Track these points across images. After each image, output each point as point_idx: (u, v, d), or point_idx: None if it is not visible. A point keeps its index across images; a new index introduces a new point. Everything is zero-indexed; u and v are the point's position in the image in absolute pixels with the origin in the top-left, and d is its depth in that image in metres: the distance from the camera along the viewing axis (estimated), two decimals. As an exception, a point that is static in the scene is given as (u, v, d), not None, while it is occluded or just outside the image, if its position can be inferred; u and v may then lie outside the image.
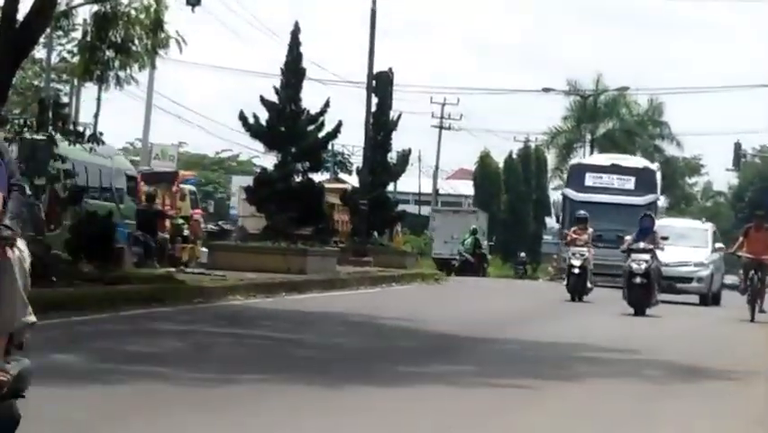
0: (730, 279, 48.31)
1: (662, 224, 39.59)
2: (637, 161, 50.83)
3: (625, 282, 34.88)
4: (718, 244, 31.11)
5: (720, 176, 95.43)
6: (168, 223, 42.95)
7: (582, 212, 40.93)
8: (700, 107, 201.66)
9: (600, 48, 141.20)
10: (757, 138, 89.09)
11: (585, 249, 40.67)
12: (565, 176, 54.34)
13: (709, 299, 33.95)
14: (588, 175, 47.34)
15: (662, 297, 35.89)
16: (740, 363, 19.96)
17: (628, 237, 37.77)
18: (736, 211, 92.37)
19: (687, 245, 33.32)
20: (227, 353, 18.14)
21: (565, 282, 41.20)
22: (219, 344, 19.26)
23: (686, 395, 16.28)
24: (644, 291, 31.52)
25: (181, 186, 53.41)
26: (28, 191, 21.90)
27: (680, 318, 35.13)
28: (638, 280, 30.31)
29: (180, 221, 46.72)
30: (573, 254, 38.84)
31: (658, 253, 35.17)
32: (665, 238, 28.40)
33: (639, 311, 29.98)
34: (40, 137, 35.00)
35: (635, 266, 31.02)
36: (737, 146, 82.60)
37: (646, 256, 31.86)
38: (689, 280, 33.68)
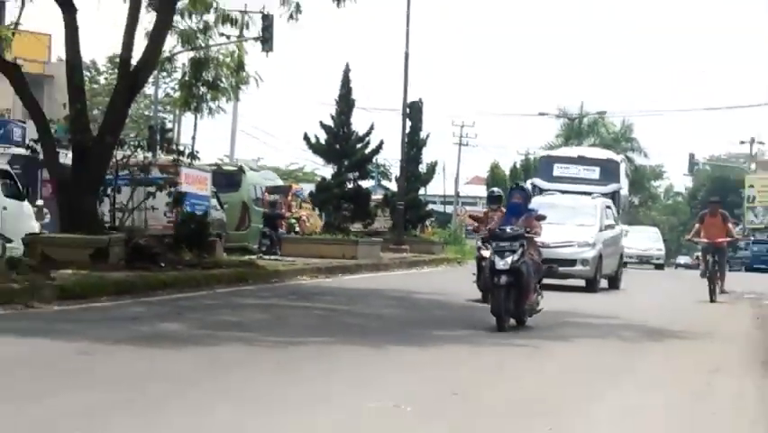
0: (683, 259, 45.43)
1: (546, 201, 31.06)
2: (602, 153, 46.43)
3: (485, 283, 21.62)
4: (608, 222, 25.80)
5: (678, 180, 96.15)
6: (284, 222, 44.94)
7: (496, 189, 30.28)
8: (663, 125, 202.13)
9: (584, 79, 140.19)
10: (708, 149, 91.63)
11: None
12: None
13: (597, 282, 27.80)
14: (556, 166, 42.78)
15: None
16: (697, 328, 19.63)
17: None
18: (691, 207, 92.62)
19: (573, 223, 27.35)
20: (297, 321, 18.20)
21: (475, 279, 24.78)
22: (291, 314, 19.29)
23: (655, 352, 16.27)
24: (511, 295, 18.03)
25: (293, 194, 56.44)
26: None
27: (648, 293, 31.49)
28: (503, 279, 17.38)
29: (293, 221, 49.85)
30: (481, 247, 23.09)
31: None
32: (542, 218, 20.27)
33: (501, 324, 17.09)
34: (232, 168, 45.42)
35: (498, 261, 17.68)
36: (691, 156, 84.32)
37: (515, 245, 18.21)
38: (572, 262, 26.91)
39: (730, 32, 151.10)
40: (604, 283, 29.01)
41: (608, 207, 27.95)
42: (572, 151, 44.67)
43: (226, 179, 39.81)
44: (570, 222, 25.24)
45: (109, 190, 25.56)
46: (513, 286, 15.64)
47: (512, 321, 16.39)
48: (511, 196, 18.95)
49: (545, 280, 22.37)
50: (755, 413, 10.32)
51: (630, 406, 10.89)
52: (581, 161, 43.33)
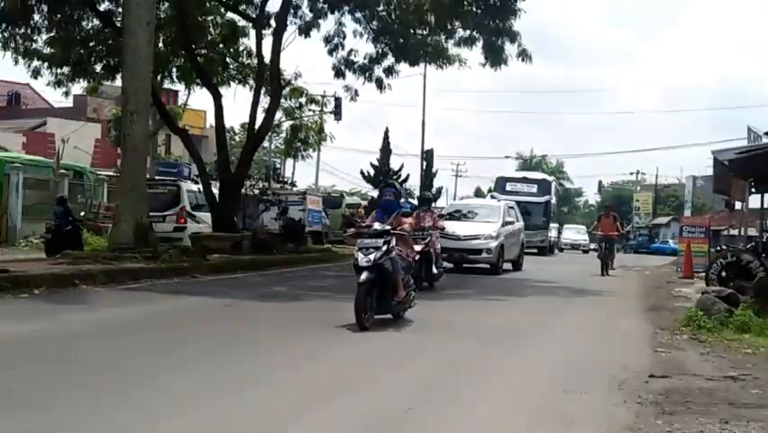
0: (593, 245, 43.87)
1: (462, 203, 31.12)
2: (539, 175, 46.46)
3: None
4: (509, 219, 23.76)
5: (591, 197, 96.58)
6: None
7: (427, 192, 29.52)
8: (582, 163, 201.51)
9: (533, 134, 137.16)
10: (610, 177, 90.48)
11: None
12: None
13: (499, 267, 24.15)
14: (507, 183, 42.41)
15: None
16: (604, 289, 19.69)
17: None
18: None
19: (481, 220, 24.54)
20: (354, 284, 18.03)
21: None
22: (352, 280, 18.93)
23: (579, 302, 16.61)
24: (374, 292, 12.24)
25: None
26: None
27: (566, 268, 29.04)
28: (364, 276, 11.87)
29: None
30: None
31: (453, 226, 21.99)
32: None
33: (360, 321, 11.35)
34: (335, 195, 47.91)
35: (361, 258, 12.20)
36: (600, 182, 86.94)
37: (379, 242, 12.51)
38: (479, 251, 24.02)
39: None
40: (508, 266, 24.85)
41: (511, 207, 25.99)
42: (519, 174, 44.92)
43: (332, 201, 43.38)
44: (479, 219, 23.72)
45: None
46: (375, 282, 11.40)
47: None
48: (383, 194, 14.10)
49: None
50: (639, 337, 10.83)
51: (567, 330, 11.60)
52: (525, 180, 43.44)
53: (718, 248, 24.55)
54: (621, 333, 11.52)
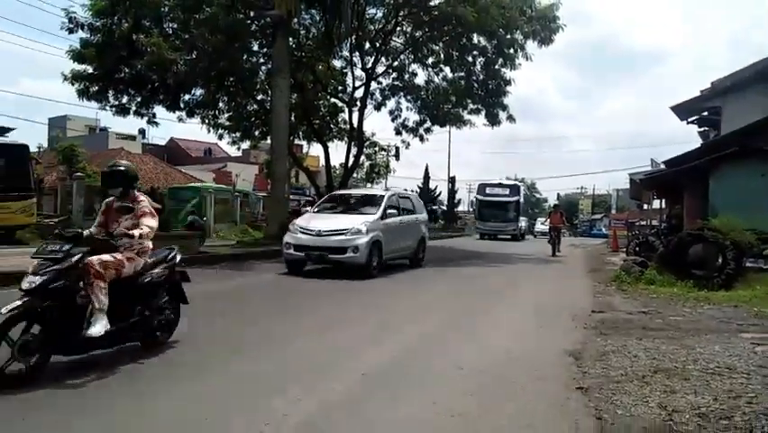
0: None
1: (342, 192, 16.57)
2: (511, 182, 38.99)
3: None
4: (391, 210, 12.83)
5: (553, 202, 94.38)
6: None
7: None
8: (548, 183, 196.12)
9: (516, 163, 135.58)
10: (565, 190, 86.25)
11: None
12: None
13: (372, 268, 11.72)
14: (487, 188, 36.24)
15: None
16: (560, 259, 18.92)
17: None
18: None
19: (359, 213, 13.08)
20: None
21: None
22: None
23: (542, 267, 15.89)
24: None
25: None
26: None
27: (534, 248, 22.49)
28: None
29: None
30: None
31: (317, 219, 12.35)
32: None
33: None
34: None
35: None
36: (558, 194, 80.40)
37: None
38: (341, 250, 11.67)
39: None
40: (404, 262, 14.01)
41: (405, 197, 15.14)
42: (496, 182, 38.09)
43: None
44: (355, 212, 13.11)
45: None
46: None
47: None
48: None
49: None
50: (584, 288, 10.75)
51: (537, 288, 11.45)
52: (500, 185, 36.79)
53: (634, 233, 24.01)
54: (572, 286, 11.31)
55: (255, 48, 21.28)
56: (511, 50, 20.72)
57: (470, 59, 21.91)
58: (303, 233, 11.57)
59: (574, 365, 4.90)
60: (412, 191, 57.75)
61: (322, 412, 3.70)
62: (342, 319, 7.05)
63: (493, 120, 22.52)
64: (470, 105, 23.33)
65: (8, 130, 22.23)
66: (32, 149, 21.26)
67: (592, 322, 6.85)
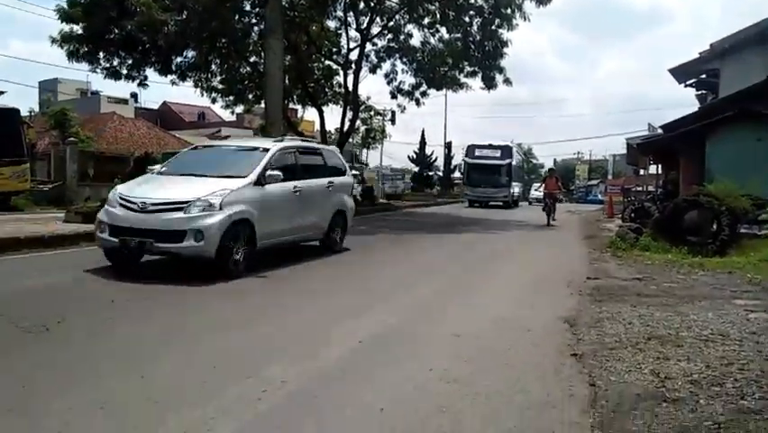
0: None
1: (209, 144, 13.16)
2: (503, 143, 33.49)
3: None
4: (272, 173, 7.52)
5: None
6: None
7: None
8: (543, 147, 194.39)
9: (512, 127, 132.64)
10: (561, 156, 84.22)
11: None
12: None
13: (226, 263, 6.81)
14: (476, 150, 31.94)
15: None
16: (556, 225, 18.59)
17: None
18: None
19: (219, 175, 7.29)
20: (404, 224, 17.18)
21: None
22: (404, 221, 18.17)
23: (538, 233, 16.11)
24: None
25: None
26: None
27: (529, 215, 23.84)
28: None
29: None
30: None
31: (144, 186, 7.43)
32: None
33: None
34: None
35: None
36: (554, 160, 77.47)
37: None
38: (177, 235, 6.46)
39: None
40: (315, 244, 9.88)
41: (310, 151, 9.35)
42: (485, 142, 33.43)
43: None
44: (218, 174, 7.48)
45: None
46: None
47: None
48: None
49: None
50: (579, 254, 10.80)
51: (532, 255, 11.58)
52: (490, 147, 32.33)
53: (630, 199, 24.03)
54: (569, 252, 11.36)
55: (247, 8, 20.85)
56: (508, 10, 20.37)
57: (466, 19, 21.49)
58: (123, 205, 7.09)
59: (569, 332, 4.95)
60: (412, 158, 57.32)
61: (319, 379, 3.73)
62: (342, 285, 7.05)
63: (490, 83, 22.27)
64: (467, 68, 23.07)
65: (-2, 93, 21.87)
66: (24, 113, 20.98)
67: (587, 289, 6.89)
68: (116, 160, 23.28)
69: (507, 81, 22.40)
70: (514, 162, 32.94)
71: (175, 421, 3.02)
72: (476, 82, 23.25)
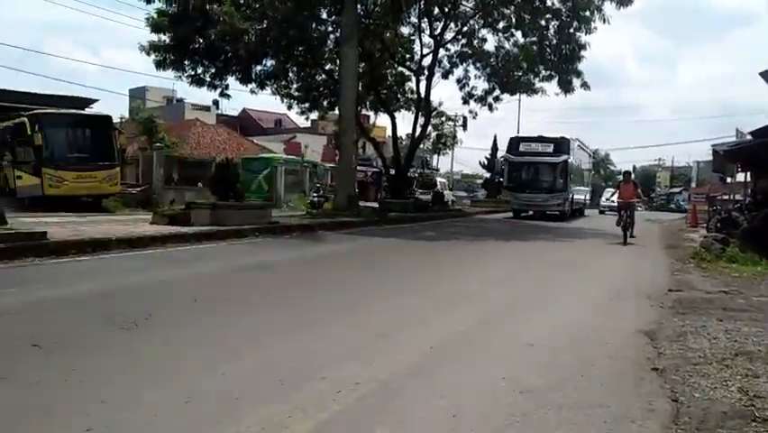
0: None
1: None
2: (556, 137, 25.93)
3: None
4: None
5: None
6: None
7: None
8: (622, 154, 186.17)
9: (589, 132, 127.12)
10: (641, 163, 79.42)
11: None
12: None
13: None
14: (521, 144, 24.92)
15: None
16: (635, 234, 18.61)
17: None
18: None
19: None
20: (471, 231, 17.22)
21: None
22: (471, 227, 18.18)
23: (618, 240, 15.51)
24: None
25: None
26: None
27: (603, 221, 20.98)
28: None
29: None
30: None
31: None
32: None
33: None
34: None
35: None
36: (633, 166, 69.50)
37: None
38: None
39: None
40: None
41: None
42: (535, 135, 26.47)
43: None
44: None
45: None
46: None
47: None
48: None
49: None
50: (661, 265, 10.45)
51: (610, 264, 11.26)
52: (540, 139, 25.22)
53: (715, 208, 22.87)
54: (649, 262, 10.96)
55: (324, 16, 21.35)
56: (587, 13, 19.88)
57: (542, 22, 21.19)
58: None
59: (649, 345, 4.76)
60: (483, 164, 56.00)
61: (391, 383, 3.75)
62: (413, 289, 7.12)
63: (566, 87, 21.80)
64: (542, 72, 22.66)
65: (92, 101, 23.44)
66: (115, 120, 22.32)
67: (669, 301, 6.62)
68: (199, 164, 24.38)
69: (585, 85, 21.91)
70: (572, 160, 25.75)
71: (253, 417, 3.11)
72: (552, 86, 22.82)
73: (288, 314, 5.62)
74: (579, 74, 21.62)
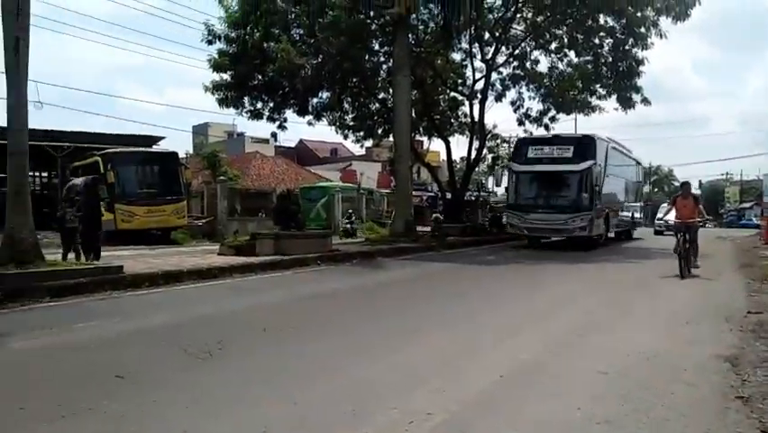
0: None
1: None
2: (578, 135, 19.97)
3: None
4: None
5: (694, 191, 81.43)
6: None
7: None
8: (689, 168, 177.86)
9: (647, 147, 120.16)
10: (707, 177, 75.60)
11: None
12: None
13: None
14: (530, 148, 18.94)
15: None
16: (707, 253, 17.56)
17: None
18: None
19: None
20: (516, 252, 17.30)
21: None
22: (540, 249, 17.90)
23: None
24: None
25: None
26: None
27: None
28: None
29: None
30: None
31: None
32: None
33: None
34: None
35: None
36: (700, 181, 64.85)
37: None
38: None
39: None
40: None
41: None
42: (548, 134, 21.70)
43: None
44: None
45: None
46: None
47: None
48: None
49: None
50: (736, 285, 9.86)
51: (682, 284, 10.73)
52: (555, 141, 18.97)
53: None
54: (722, 283, 10.40)
55: (376, 47, 21.76)
56: (642, 29, 19.50)
57: (596, 41, 20.94)
58: None
59: (731, 372, 4.52)
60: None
61: (463, 414, 3.70)
62: (476, 315, 7.04)
63: (626, 104, 21.36)
64: (599, 90, 22.28)
65: (159, 139, 24.56)
66: (180, 155, 23.26)
67: (749, 324, 6.26)
68: (260, 195, 25.04)
69: (646, 101, 21.40)
70: (600, 166, 18.41)
71: (329, 448, 3.13)
72: (609, 103, 22.40)
73: (354, 341, 5.66)
74: (638, 90, 21.19)
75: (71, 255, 9.59)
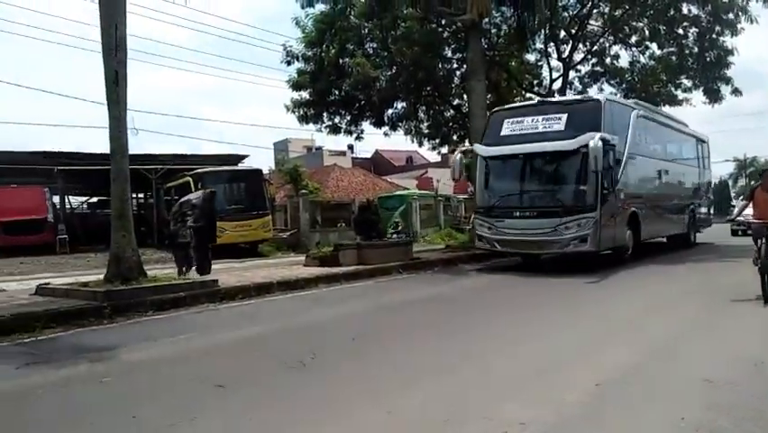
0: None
1: None
2: (575, 98, 15.35)
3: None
4: None
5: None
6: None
7: None
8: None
9: (741, 140, 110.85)
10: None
11: None
12: None
13: None
14: (506, 122, 12.04)
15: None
16: None
17: None
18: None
19: None
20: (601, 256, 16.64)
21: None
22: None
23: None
24: None
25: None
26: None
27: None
28: None
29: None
30: None
31: None
32: None
33: None
34: None
35: None
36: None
37: None
38: None
39: None
40: None
41: None
42: (533, 100, 16.44)
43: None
44: None
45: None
46: None
47: None
48: None
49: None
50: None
51: (739, 278, 9.84)
52: (542, 108, 12.36)
53: None
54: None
55: (448, 54, 21.69)
56: (730, 15, 18.37)
57: (680, 31, 19.90)
58: None
59: None
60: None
61: (561, 425, 3.60)
62: (570, 322, 6.84)
63: (714, 96, 20.15)
64: (685, 83, 21.15)
65: (243, 157, 25.57)
66: (264, 171, 24.09)
67: None
68: (339, 206, 25.49)
69: (737, 92, 20.08)
70: (609, 139, 11.70)
71: (425, 458, 3.13)
72: (697, 96, 21.20)
73: (441, 348, 5.62)
74: (728, 80, 19.92)
75: (172, 270, 9.98)
